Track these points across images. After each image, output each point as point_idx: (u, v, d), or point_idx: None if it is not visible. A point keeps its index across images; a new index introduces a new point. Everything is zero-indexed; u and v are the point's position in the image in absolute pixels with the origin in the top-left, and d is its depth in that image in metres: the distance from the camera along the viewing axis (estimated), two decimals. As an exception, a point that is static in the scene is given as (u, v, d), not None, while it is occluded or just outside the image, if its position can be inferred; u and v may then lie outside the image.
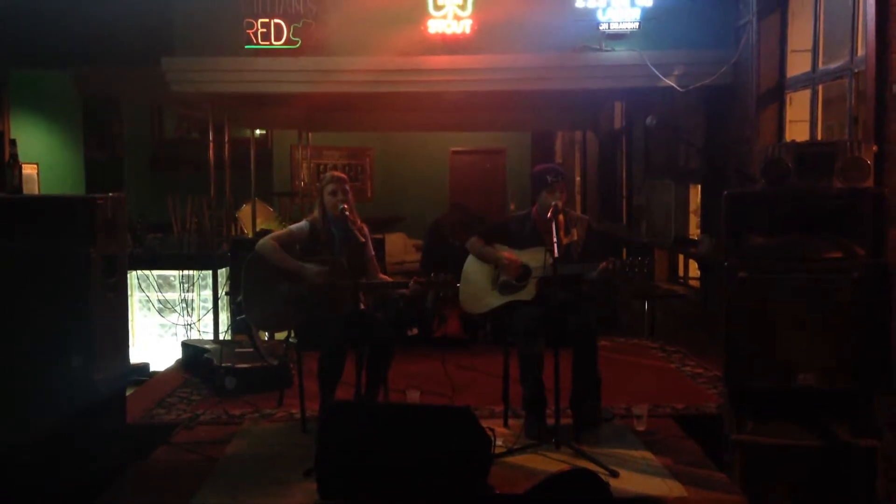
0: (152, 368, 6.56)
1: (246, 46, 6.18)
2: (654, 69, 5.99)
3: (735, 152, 6.02)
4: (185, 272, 7.10)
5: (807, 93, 5.42)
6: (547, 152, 12.88)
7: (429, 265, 7.45)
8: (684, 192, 7.28)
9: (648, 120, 6.72)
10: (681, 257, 7.70)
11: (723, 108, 6.26)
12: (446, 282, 4.20)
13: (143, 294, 7.11)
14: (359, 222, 4.38)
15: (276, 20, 6.18)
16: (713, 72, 5.99)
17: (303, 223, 4.41)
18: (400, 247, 12.30)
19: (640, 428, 4.31)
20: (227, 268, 6.96)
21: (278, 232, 4.51)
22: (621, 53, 6.10)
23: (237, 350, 5.52)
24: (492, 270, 4.45)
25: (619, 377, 5.35)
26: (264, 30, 6.17)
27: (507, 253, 4.38)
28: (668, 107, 7.24)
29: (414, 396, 4.60)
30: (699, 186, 7.06)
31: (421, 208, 12.75)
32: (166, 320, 7.13)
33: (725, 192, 3.92)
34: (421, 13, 6.16)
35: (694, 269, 7.34)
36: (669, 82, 6.02)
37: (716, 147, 6.44)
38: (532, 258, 4.30)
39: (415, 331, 6.48)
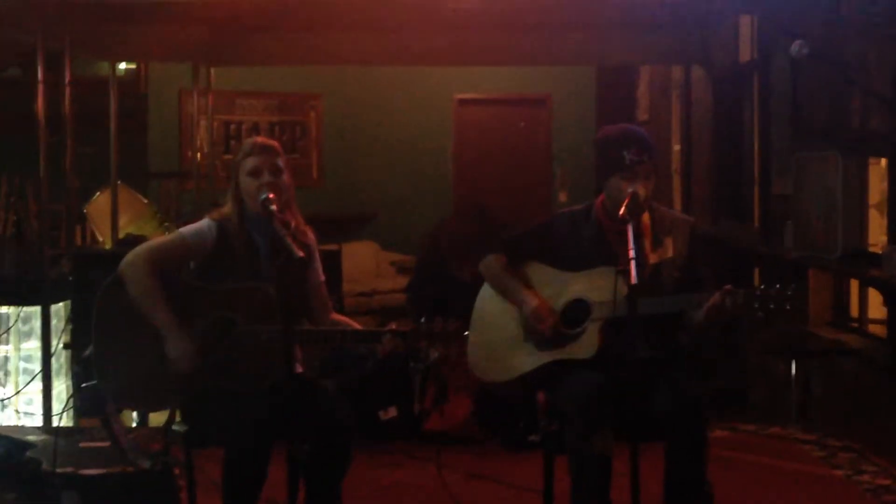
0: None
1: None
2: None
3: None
4: (-5, 309, 7.12)
5: None
6: (623, 104, 12.91)
7: (421, 302, 7.46)
8: (860, 172, 7.29)
9: (796, 48, 6.73)
10: (854, 285, 7.69)
11: (926, 28, 6.29)
12: (448, 333, 4.22)
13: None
14: (296, 222, 4.42)
15: None
16: (909, -36, 6.01)
17: (203, 224, 4.43)
18: (368, 265, 12.36)
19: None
20: (68, 302, 6.95)
21: (161, 240, 4.55)
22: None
23: (83, 444, 5.52)
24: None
25: (746, 492, 5.37)
26: None
27: (532, 294, 4.41)
28: (831, 25, 7.26)
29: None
30: (885, 162, 7.07)
31: (405, 200, 12.79)
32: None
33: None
34: None
35: (877, 306, 7.34)
36: (833, -17, 6.05)
37: (914, 95, 6.46)
38: (593, 286, 4.33)
39: (392, 412, 6.48)
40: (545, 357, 4.39)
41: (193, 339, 4.24)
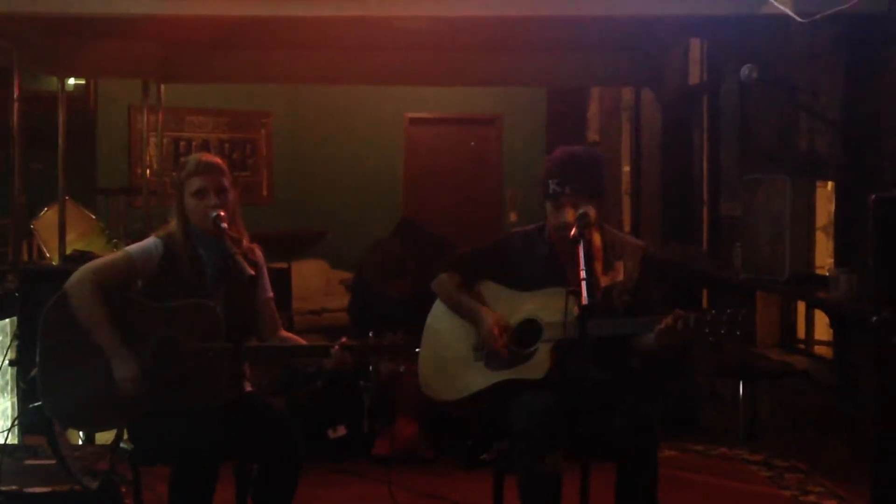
0: None
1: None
2: (756, -15, 6.08)
3: (893, 128, 6.11)
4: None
5: None
6: (573, 124, 12.97)
7: (361, 322, 7.44)
8: (807, 195, 7.34)
9: (746, 72, 6.79)
10: (801, 307, 7.75)
11: (872, 54, 6.36)
12: (398, 346, 4.22)
13: None
14: (246, 241, 4.40)
15: None
16: (856, -9, 6.08)
17: (149, 242, 4.40)
18: (318, 283, 12.32)
19: None
20: (14, 318, 6.89)
21: (107, 258, 4.50)
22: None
23: (28, 462, 5.48)
24: (475, 328, 4.49)
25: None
26: None
27: (492, 312, 4.41)
28: (780, 50, 7.32)
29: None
30: (832, 186, 7.13)
31: (355, 218, 12.78)
32: None
33: (874, 197, 3.98)
34: None
35: (824, 328, 7.40)
36: (782, 7, 6.10)
37: (861, 119, 6.52)
38: (544, 307, 4.33)
39: (341, 431, 6.46)
40: (496, 376, 4.38)
41: (138, 361, 4.20)
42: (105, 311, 4.24)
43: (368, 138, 13.21)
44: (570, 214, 4.28)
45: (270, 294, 4.54)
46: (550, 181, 4.34)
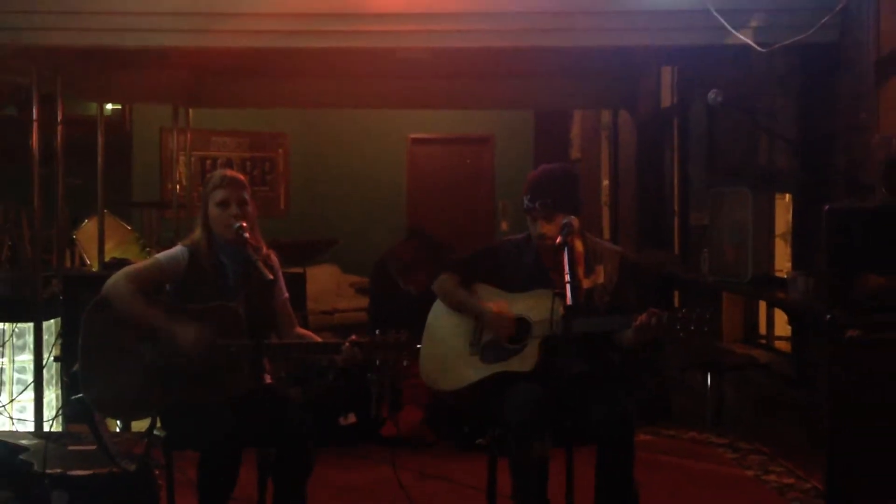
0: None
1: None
2: (720, 18, 6.08)
3: (843, 146, 6.12)
4: (-9, 325, 7.04)
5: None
6: (558, 143, 12.96)
7: (377, 319, 7.46)
8: (767, 205, 7.36)
9: (712, 96, 6.80)
10: (762, 306, 7.76)
11: (825, 80, 6.37)
12: (401, 343, 4.22)
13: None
14: (265, 249, 4.40)
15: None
16: (810, 23, 6.08)
17: (177, 250, 4.41)
18: (330, 286, 12.32)
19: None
20: (58, 319, 6.90)
21: (139, 264, 4.49)
22: (671, -6, 6.20)
23: (72, 448, 5.47)
24: (471, 325, 4.49)
25: (667, 491, 5.40)
26: (121, -50, 6.18)
27: (493, 302, 4.41)
28: (742, 76, 7.34)
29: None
30: (790, 198, 7.14)
31: (363, 228, 12.78)
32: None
33: (827, 208, 3.99)
34: (364, -72, 6.21)
35: (782, 325, 7.41)
36: (744, 38, 6.11)
37: (815, 138, 6.54)
38: (533, 307, 4.33)
39: (351, 419, 6.47)
40: (490, 369, 4.38)
41: (193, 326, 4.19)
42: (145, 301, 4.26)
43: (375, 156, 13.24)
44: (542, 227, 4.34)
45: (286, 295, 4.54)
46: (525, 197, 4.39)
